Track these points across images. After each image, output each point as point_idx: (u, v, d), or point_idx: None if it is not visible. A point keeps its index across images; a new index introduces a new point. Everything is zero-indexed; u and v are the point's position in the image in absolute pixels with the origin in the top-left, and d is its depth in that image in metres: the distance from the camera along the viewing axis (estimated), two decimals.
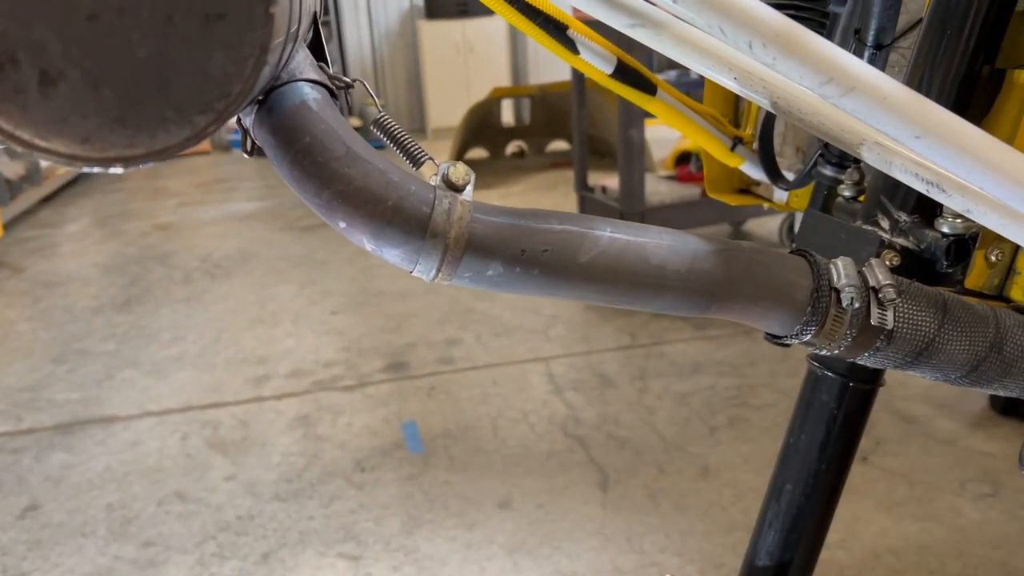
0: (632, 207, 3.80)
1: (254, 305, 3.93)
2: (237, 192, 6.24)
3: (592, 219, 0.66)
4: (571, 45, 1.05)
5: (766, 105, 0.69)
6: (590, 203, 4.09)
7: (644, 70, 1.11)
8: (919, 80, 0.94)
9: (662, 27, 0.63)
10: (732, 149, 1.22)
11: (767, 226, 4.57)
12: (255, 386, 3.09)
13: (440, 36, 7.07)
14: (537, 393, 2.93)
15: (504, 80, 7.00)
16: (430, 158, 0.64)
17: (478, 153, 6.22)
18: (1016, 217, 0.59)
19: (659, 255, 0.66)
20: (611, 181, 4.07)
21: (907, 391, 2.79)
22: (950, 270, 0.85)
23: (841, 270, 0.70)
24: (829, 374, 0.92)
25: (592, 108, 4.90)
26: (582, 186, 4.19)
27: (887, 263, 0.88)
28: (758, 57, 0.51)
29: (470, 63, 6.81)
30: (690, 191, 4.09)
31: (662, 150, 5.24)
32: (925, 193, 0.64)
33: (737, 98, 1.39)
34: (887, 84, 0.50)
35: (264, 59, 0.40)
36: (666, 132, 6.12)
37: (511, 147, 6.38)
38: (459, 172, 0.61)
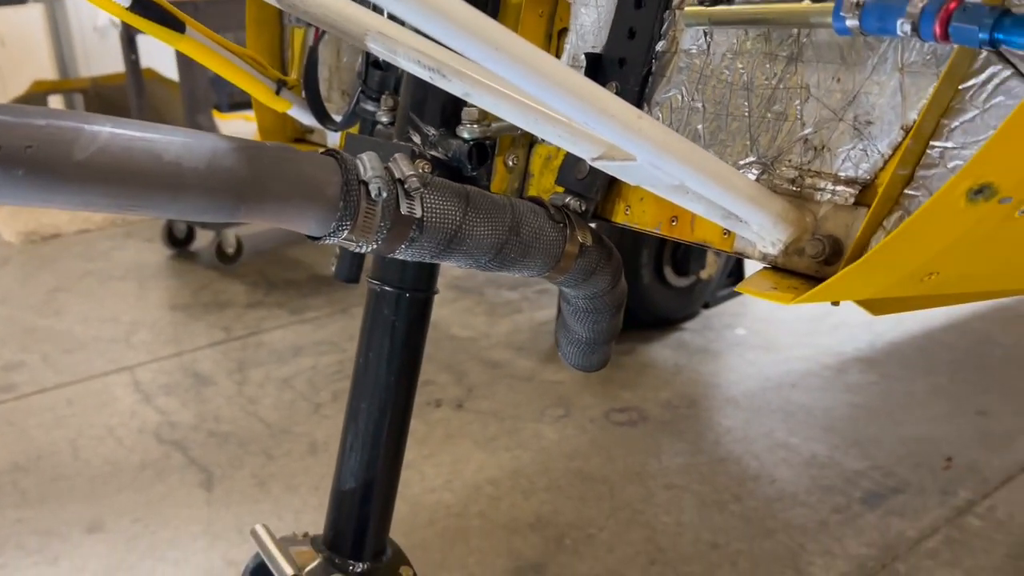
0: None
1: None
2: None
3: (90, 115, 0.60)
4: None
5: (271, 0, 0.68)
6: None
7: (168, 5, 1.05)
8: None
9: None
10: (277, 93, 1.21)
11: None
12: None
13: None
14: (123, 405, 2.66)
15: (48, 74, 6.20)
16: None
17: None
18: (502, 95, 0.66)
19: (172, 152, 0.61)
20: None
21: (491, 341, 3.05)
22: (475, 174, 0.92)
23: (367, 163, 0.72)
24: (387, 289, 0.95)
25: (155, 100, 4.56)
26: None
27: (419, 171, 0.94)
28: None
29: (2, 57, 5.93)
30: None
31: None
32: (429, 80, 0.69)
33: (281, 43, 1.38)
34: None
35: None
36: (241, 126, 5.93)
37: None
38: None
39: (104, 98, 5.28)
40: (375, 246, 0.74)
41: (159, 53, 4.07)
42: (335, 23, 0.65)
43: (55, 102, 5.42)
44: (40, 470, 2.32)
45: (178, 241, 3.87)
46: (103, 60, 6.13)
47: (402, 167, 0.73)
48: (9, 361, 2.96)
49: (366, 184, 0.71)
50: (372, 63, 1.10)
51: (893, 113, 0.65)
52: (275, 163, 0.67)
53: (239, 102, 6.68)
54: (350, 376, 2.95)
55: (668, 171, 0.64)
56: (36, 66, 5.95)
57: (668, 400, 2.64)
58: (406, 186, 0.73)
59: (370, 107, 1.11)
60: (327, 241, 0.72)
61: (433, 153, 0.92)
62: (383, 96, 1.05)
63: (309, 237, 0.73)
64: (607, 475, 2.26)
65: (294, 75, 1.29)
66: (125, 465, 2.34)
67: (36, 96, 4.95)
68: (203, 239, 3.90)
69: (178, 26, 1.05)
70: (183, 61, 3.64)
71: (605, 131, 0.62)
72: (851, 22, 0.62)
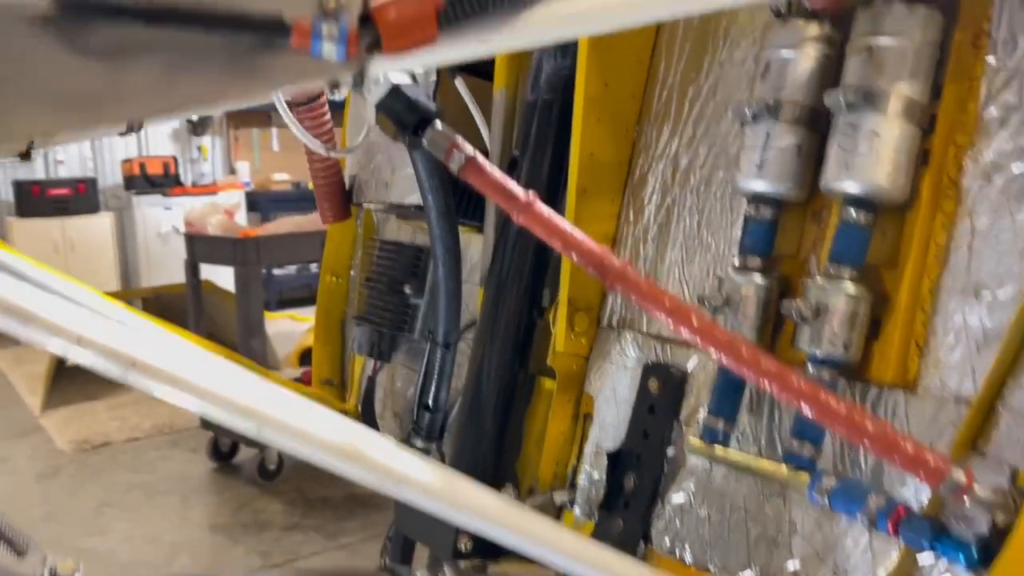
0: None
1: None
2: None
3: None
4: None
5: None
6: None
7: None
8: (476, 375, 1.16)
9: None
10: None
11: None
12: None
13: (36, 235, 6.57)
14: None
15: (112, 281, 6.67)
16: (38, 550, 0.67)
17: None
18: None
19: None
20: None
21: None
22: None
23: None
24: None
25: (210, 308, 4.87)
26: None
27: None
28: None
29: (71, 263, 6.38)
30: None
31: (287, 344, 5.29)
32: None
33: (343, 364, 1.56)
34: (427, 474, 0.66)
35: None
36: (288, 325, 6.21)
37: None
38: (67, 566, 0.66)
39: (163, 303, 5.62)
40: None
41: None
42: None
43: None
44: None
45: (222, 454, 4.02)
46: (164, 261, 6.58)
47: None
48: None
49: None
50: (422, 405, 1.26)
51: (866, 567, 0.77)
52: None
53: (287, 299, 7.06)
54: None
55: None
56: (102, 272, 6.41)
57: None
58: None
59: (419, 444, 1.26)
60: None
61: None
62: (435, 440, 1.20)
63: None
64: None
65: (352, 401, 1.46)
66: None
67: None
68: (245, 453, 4.04)
69: None
70: (241, 284, 3.94)
71: None
72: (821, 501, 0.75)
